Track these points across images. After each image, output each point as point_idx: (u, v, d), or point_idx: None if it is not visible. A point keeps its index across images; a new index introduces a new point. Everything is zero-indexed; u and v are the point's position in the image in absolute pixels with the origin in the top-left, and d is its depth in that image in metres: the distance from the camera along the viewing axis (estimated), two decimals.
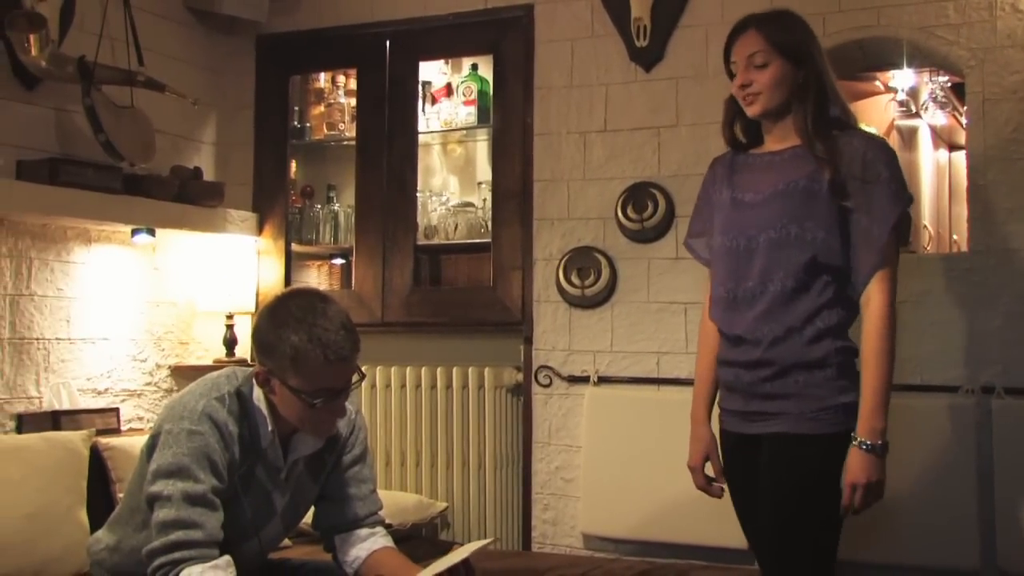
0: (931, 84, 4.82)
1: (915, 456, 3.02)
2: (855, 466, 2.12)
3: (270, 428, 2.17)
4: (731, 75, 2.34)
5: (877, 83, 4.69)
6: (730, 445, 2.36)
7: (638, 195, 3.52)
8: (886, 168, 2.17)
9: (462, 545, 2.28)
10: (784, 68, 2.24)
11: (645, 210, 3.50)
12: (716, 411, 2.45)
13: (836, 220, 2.18)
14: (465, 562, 2.19)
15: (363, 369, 3.78)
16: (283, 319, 2.10)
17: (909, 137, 5.01)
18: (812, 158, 2.21)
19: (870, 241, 2.16)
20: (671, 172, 3.52)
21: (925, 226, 4.88)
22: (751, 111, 2.30)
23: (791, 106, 2.26)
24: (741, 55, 2.29)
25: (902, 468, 3.01)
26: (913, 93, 4.79)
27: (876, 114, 4.79)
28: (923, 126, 5.13)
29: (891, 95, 4.74)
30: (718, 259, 2.36)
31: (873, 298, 2.16)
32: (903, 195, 2.18)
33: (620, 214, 3.54)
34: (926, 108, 4.95)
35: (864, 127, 2.33)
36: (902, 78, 4.54)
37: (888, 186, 2.16)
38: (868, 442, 2.11)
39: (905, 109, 4.81)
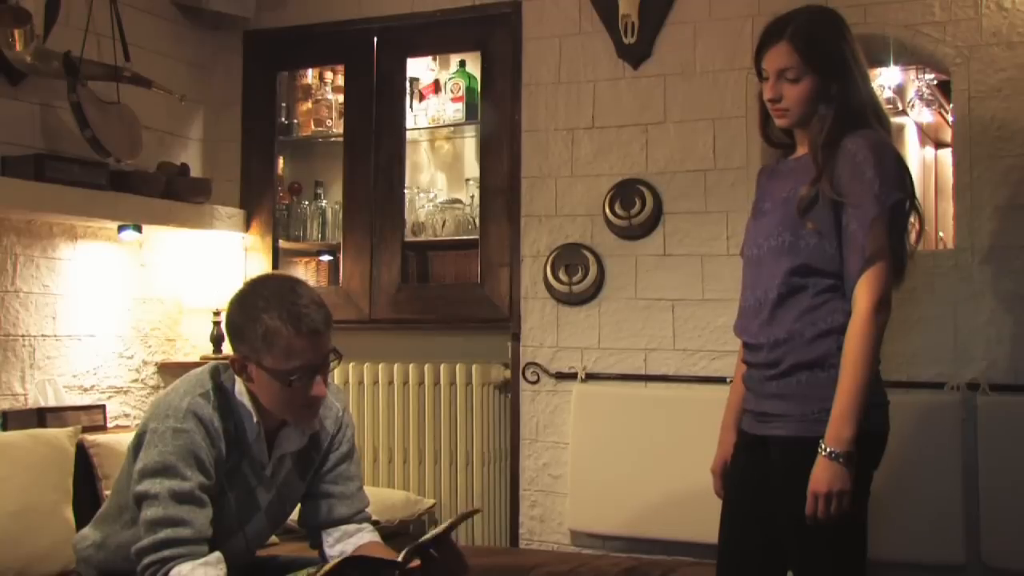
0: (917, 82, 4.84)
1: (900, 452, 3.02)
2: (818, 474, 2.07)
3: (255, 420, 2.16)
4: (760, 76, 2.26)
5: None
6: (741, 443, 2.34)
7: (626, 192, 3.52)
8: (872, 168, 2.10)
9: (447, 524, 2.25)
10: (817, 83, 2.18)
11: (633, 207, 3.50)
12: None
13: (833, 225, 2.15)
14: (447, 539, 2.18)
15: (350, 366, 3.77)
16: (253, 301, 2.10)
17: (896, 134, 5.02)
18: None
19: (855, 243, 2.12)
20: (659, 169, 3.53)
21: (912, 223, 4.88)
22: (779, 123, 2.26)
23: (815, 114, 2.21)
24: (772, 67, 2.21)
25: (888, 464, 3.02)
26: (899, 91, 4.80)
27: None
28: (910, 123, 5.15)
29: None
30: (743, 269, 2.34)
31: (857, 301, 2.11)
32: (885, 196, 2.10)
33: (608, 211, 3.55)
34: (912, 105, 4.97)
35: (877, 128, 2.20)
36: (889, 76, 4.55)
37: (871, 187, 2.10)
38: (833, 450, 2.06)
39: (892, 107, 4.81)
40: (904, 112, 4.96)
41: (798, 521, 2.10)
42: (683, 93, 3.50)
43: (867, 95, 2.22)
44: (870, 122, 2.19)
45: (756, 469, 2.26)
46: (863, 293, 2.11)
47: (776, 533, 2.22)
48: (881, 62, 3.42)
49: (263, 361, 2.08)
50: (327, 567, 2.04)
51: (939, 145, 5.69)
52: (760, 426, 2.25)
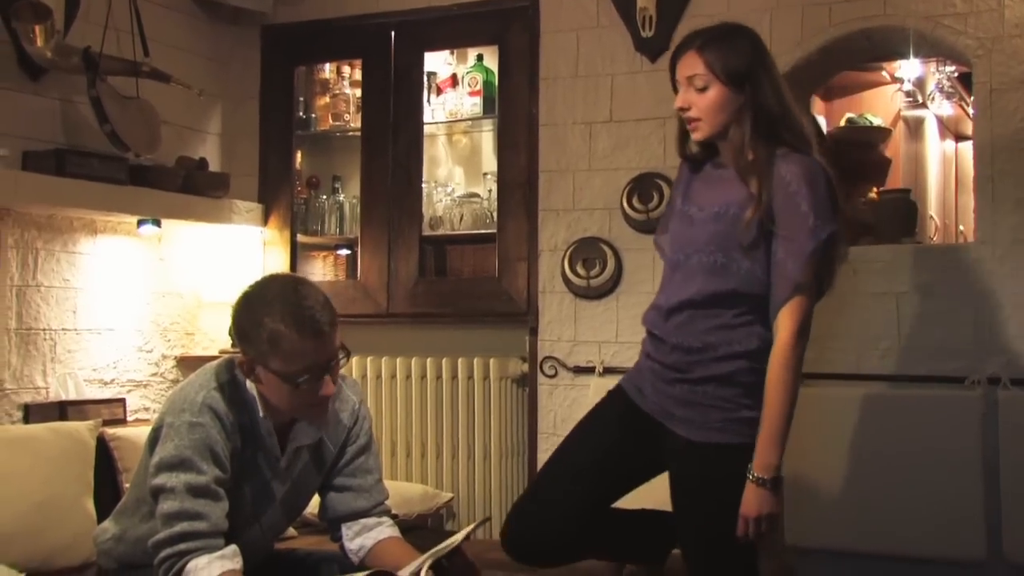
0: (938, 74, 4.80)
1: (921, 447, 3.02)
2: (747, 498, 2.15)
3: (261, 414, 2.17)
4: (675, 90, 2.32)
5: (884, 73, 4.68)
6: (619, 398, 2.42)
7: (644, 186, 3.52)
8: (806, 201, 2.13)
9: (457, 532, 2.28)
10: (724, 93, 2.21)
11: (651, 200, 3.49)
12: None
13: (763, 247, 2.19)
14: (458, 547, 2.20)
15: (368, 360, 3.76)
16: (257, 305, 2.08)
17: (915, 127, 5.00)
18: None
19: (784, 273, 2.16)
20: (677, 163, 3.49)
21: (931, 216, 4.86)
22: (695, 136, 2.30)
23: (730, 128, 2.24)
24: (682, 75, 2.27)
25: (908, 459, 3.01)
26: (920, 83, 4.77)
27: (882, 104, 4.78)
28: (930, 116, 5.11)
29: (898, 85, 4.72)
30: (665, 266, 2.41)
31: (780, 329, 2.16)
32: (821, 231, 2.13)
33: (626, 205, 3.54)
34: (933, 98, 4.93)
35: (809, 152, 2.22)
36: (909, 68, 4.52)
37: (806, 221, 2.13)
38: (760, 476, 2.13)
39: (912, 99, 4.79)
40: (924, 105, 4.93)
41: (690, 517, 2.25)
42: None
43: (779, 108, 2.22)
44: (783, 137, 2.21)
45: (632, 427, 2.37)
46: (786, 321, 2.16)
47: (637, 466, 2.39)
48: (901, 54, 3.41)
49: (270, 364, 2.07)
50: None
51: (960, 138, 5.65)
52: (659, 413, 2.32)
